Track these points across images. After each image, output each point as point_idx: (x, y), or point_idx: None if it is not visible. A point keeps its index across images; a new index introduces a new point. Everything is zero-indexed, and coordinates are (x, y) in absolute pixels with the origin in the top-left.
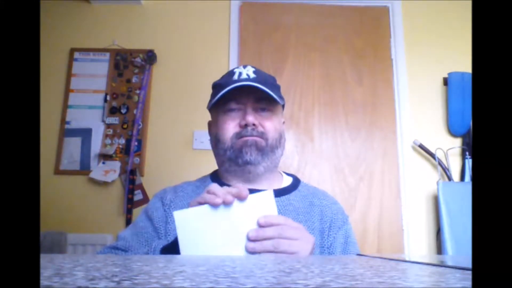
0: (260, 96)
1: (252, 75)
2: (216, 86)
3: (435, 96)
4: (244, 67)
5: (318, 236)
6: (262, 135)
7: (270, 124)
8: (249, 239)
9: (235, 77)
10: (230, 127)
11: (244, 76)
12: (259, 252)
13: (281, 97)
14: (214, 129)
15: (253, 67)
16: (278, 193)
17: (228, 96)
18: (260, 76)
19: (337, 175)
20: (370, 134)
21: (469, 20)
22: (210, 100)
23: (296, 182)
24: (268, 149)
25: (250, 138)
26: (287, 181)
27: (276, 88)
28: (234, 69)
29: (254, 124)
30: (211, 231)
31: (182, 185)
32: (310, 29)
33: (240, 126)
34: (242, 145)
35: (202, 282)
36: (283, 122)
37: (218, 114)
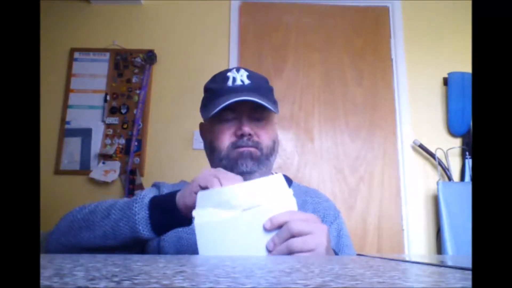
0: (256, 105)
1: (246, 81)
2: (210, 91)
3: (435, 96)
4: (238, 70)
5: None
6: (257, 144)
7: (265, 133)
8: (269, 251)
9: (229, 83)
10: (226, 137)
11: (238, 82)
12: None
13: (275, 102)
14: (208, 135)
15: (246, 70)
16: None
17: (223, 101)
18: (254, 81)
19: (337, 175)
20: (370, 134)
21: (469, 20)
22: (204, 105)
23: (288, 182)
24: (263, 158)
25: (245, 150)
26: None
27: (270, 92)
28: (227, 72)
29: (249, 134)
30: (230, 232)
31: (179, 184)
32: (310, 29)
33: (236, 136)
34: (237, 157)
35: (202, 282)
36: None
37: (212, 121)
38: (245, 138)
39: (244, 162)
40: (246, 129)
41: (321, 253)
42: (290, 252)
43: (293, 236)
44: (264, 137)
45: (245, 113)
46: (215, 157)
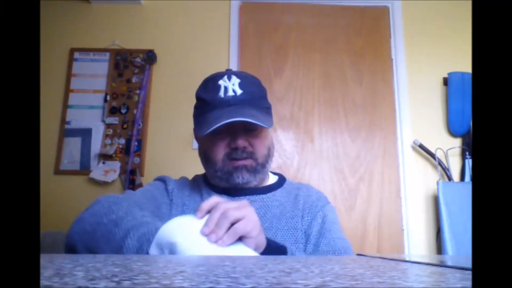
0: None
1: (238, 91)
2: (201, 101)
3: (435, 96)
4: (229, 78)
5: (299, 221)
6: (252, 155)
7: (259, 143)
8: (206, 235)
9: (221, 93)
10: (220, 149)
11: (230, 92)
12: (221, 239)
13: (268, 108)
14: (202, 145)
15: (237, 76)
16: (264, 190)
17: (216, 118)
18: (246, 90)
19: (337, 175)
20: (370, 134)
21: (469, 20)
22: (196, 115)
23: (281, 180)
24: (259, 167)
25: (240, 163)
26: (272, 180)
27: (263, 99)
28: (218, 80)
29: (244, 146)
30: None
31: (182, 180)
32: (310, 29)
33: (230, 148)
34: (232, 170)
35: (202, 282)
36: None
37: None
38: (239, 151)
39: (240, 175)
40: (240, 142)
41: (259, 230)
42: (237, 236)
43: (232, 223)
44: (258, 147)
45: (239, 125)
46: (210, 167)
